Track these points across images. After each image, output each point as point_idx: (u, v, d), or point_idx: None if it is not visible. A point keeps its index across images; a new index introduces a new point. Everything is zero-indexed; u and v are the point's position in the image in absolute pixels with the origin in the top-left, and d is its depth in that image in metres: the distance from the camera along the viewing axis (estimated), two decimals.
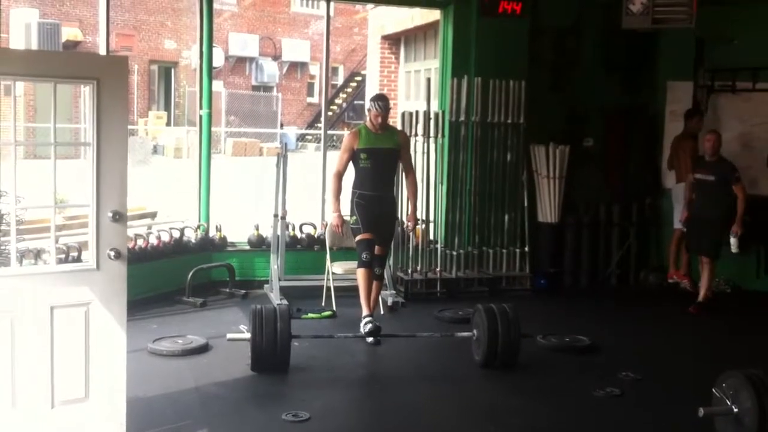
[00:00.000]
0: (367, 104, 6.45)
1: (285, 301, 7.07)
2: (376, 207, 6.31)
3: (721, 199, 7.42)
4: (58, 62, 4.16)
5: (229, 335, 5.63)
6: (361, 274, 6.31)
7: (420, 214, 7.81)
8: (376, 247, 6.35)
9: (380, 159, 6.30)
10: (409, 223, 6.65)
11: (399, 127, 8.04)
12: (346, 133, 6.48)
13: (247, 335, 5.45)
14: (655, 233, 8.89)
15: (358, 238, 6.33)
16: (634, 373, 5.61)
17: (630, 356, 6.12)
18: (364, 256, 6.28)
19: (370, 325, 6.08)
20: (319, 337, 6.14)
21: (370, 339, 6.07)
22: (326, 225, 7.49)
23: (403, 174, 6.67)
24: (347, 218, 6.39)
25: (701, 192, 7.56)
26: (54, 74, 3.93)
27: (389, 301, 7.21)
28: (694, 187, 7.67)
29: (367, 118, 6.41)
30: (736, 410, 4.30)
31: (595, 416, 4.98)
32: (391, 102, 12.51)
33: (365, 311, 6.26)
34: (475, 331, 5.77)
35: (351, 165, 6.42)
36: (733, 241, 7.32)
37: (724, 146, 8.13)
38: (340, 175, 6.34)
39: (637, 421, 4.94)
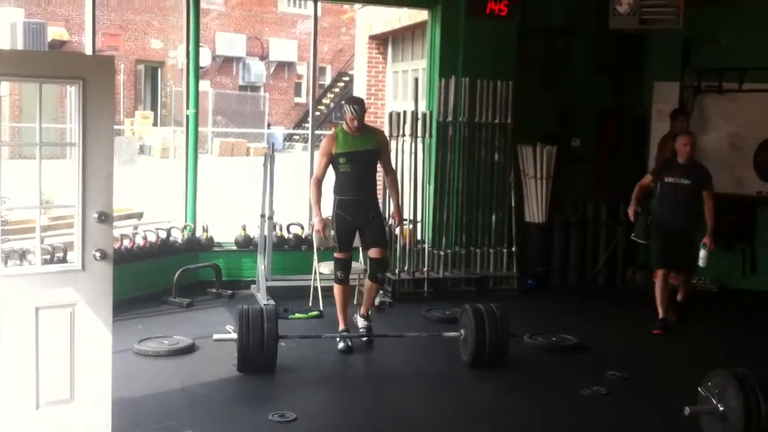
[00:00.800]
0: (344, 107, 6.26)
1: (272, 302, 7.07)
2: (360, 213, 6.13)
3: (694, 205, 6.87)
4: (44, 62, 4.13)
5: (216, 336, 5.60)
6: (335, 290, 6.26)
7: (407, 214, 7.81)
8: (373, 250, 6.22)
9: (360, 162, 6.10)
10: (395, 220, 6.47)
11: (386, 127, 8.05)
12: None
13: (234, 336, 5.42)
14: None
15: (335, 255, 6.24)
16: (621, 372, 5.62)
17: (616, 355, 6.13)
18: (339, 274, 6.20)
19: (342, 344, 5.99)
20: (306, 338, 6.12)
21: (341, 345, 5.99)
22: (313, 226, 7.47)
23: (383, 174, 6.52)
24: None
25: (671, 198, 6.93)
26: (39, 74, 3.91)
27: (377, 301, 7.20)
28: (662, 191, 7.02)
29: (344, 121, 6.20)
30: (722, 409, 4.31)
31: (581, 415, 4.99)
32: (379, 102, 12.57)
33: (341, 326, 6.20)
34: (462, 331, 5.78)
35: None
36: (702, 254, 6.72)
37: (711, 146, 8.18)
38: (319, 181, 6.17)
39: (624, 420, 4.95)
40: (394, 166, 6.87)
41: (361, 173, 6.12)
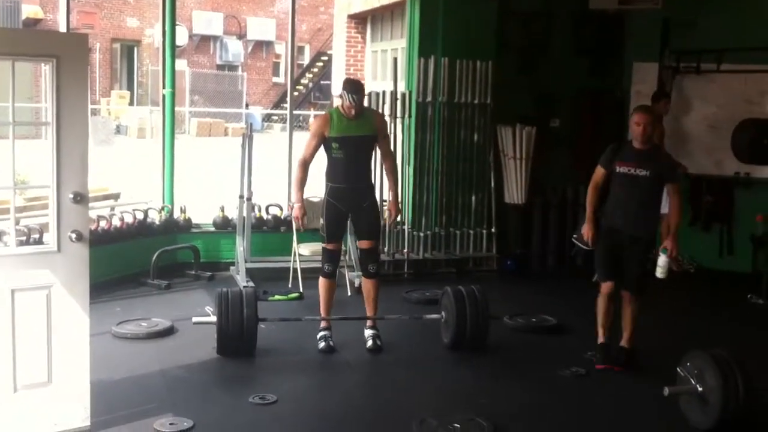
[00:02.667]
0: (336, 89, 5.90)
1: (251, 283, 7.03)
2: (353, 201, 5.61)
3: (654, 204, 5.43)
4: (17, 39, 4.06)
5: (195, 319, 5.54)
6: (320, 284, 5.74)
7: (386, 194, 7.77)
8: (364, 242, 5.74)
9: (355, 148, 5.53)
10: (392, 212, 5.91)
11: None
12: (312, 114, 6.09)
13: (213, 318, 5.37)
14: None
15: (323, 246, 5.72)
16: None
17: (596, 336, 6.14)
18: (326, 267, 5.67)
19: (323, 344, 5.63)
20: (287, 320, 6.06)
21: (322, 345, 5.66)
22: (292, 207, 7.42)
23: (381, 160, 6.05)
24: (314, 201, 6.06)
25: (624, 193, 5.34)
26: (13, 52, 3.84)
27: (356, 283, 7.17)
28: (613, 184, 5.42)
29: (340, 103, 5.63)
30: (700, 389, 4.36)
31: (560, 395, 5.02)
32: None
33: (322, 324, 5.76)
34: (443, 313, 5.76)
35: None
36: (662, 261, 5.30)
37: (690, 127, 8.18)
38: (305, 163, 5.60)
39: (603, 400, 4.98)
40: None
41: (354, 160, 5.57)
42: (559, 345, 6.01)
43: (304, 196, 5.80)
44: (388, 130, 6.62)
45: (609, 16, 8.58)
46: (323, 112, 5.94)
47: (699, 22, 8.25)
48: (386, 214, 6.01)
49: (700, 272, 8.43)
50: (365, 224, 5.74)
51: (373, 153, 5.89)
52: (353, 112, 5.48)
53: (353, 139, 5.53)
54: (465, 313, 5.56)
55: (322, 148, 5.62)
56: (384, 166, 5.94)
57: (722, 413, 4.24)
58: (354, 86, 5.54)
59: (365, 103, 6.07)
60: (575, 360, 5.49)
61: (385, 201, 7.04)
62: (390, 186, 5.92)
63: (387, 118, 7.81)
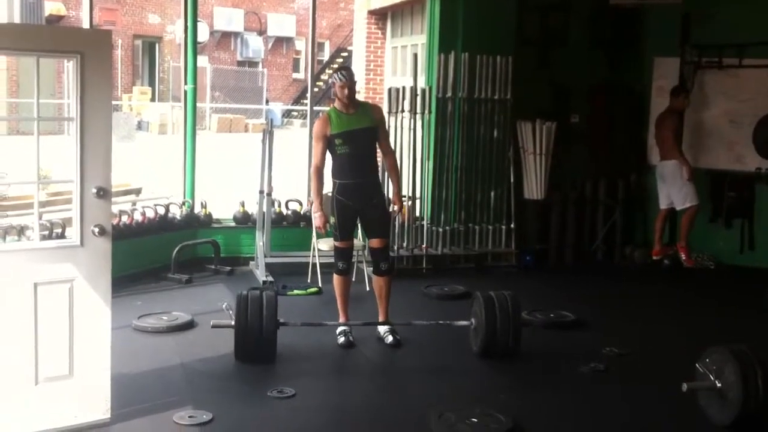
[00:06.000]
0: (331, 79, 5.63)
1: (270, 278, 7.07)
2: (361, 198, 5.61)
3: None
4: (41, 36, 4.12)
5: (213, 322, 5.35)
6: (335, 281, 5.78)
7: (407, 190, 7.79)
8: (375, 241, 5.72)
9: (358, 142, 5.55)
10: (395, 207, 5.86)
11: (384, 103, 7.99)
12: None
13: (231, 322, 5.17)
14: (641, 210, 8.90)
15: (335, 244, 5.75)
16: (619, 349, 5.64)
17: (614, 332, 6.14)
18: (340, 265, 5.71)
19: (342, 339, 5.65)
20: (309, 325, 5.75)
21: (341, 340, 5.67)
22: (311, 202, 7.44)
23: (382, 156, 5.94)
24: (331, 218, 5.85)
25: None
26: (37, 48, 3.89)
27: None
28: None
29: (335, 101, 5.62)
30: (719, 385, 4.33)
31: (578, 391, 5.01)
32: (378, 78, 12.49)
33: (341, 318, 5.81)
34: (473, 320, 5.51)
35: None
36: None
37: (711, 123, 8.13)
38: (319, 170, 5.60)
39: (621, 396, 4.96)
40: (393, 143, 6.73)
41: (360, 154, 5.59)
42: (577, 341, 5.99)
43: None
44: (398, 125, 6.50)
45: (627, 10, 8.53)
46: (323, 114, 5.74)
47: (720, 16, 8.19)
48: (391, 209, 5.99)
49: (721, 268, 8.38)
50: (375, 222, 5.74)
51: (376, 148, 5.82)
52: (345, 91, 5.48)
53: (355, 132, 5.54)
54: (495, 321, 5.30)
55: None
56: (385, 162, 5.97)
57: (742, 409, 4.21)
58: (343, 66, 5.62)
59: (363, 98, 6.03)
60: (594, 356, 5.48)
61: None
62: (391, 179, 5.95)
63: (407, 114, 7.85)
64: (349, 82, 5.50)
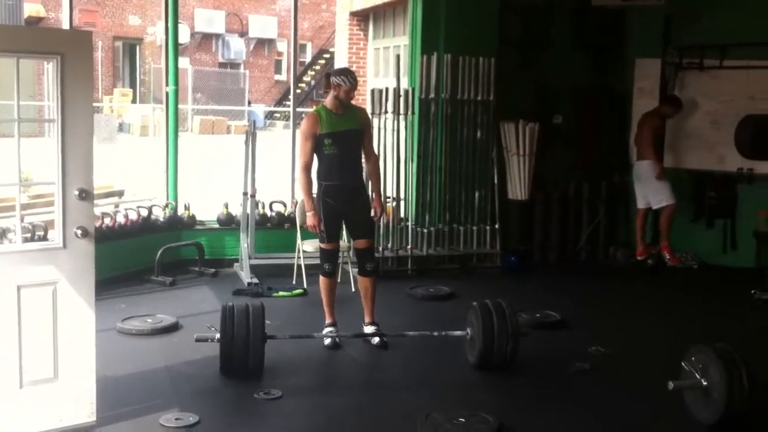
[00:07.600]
0: (333, 80, 5.55)
1: (255, 280, 7.05)
2: (347, 199, 5.59)
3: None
4: (21, 36, 4.08)
5: (197, 335, 5.16)
6: (321, 283, 5.75)
7: (391, 192, 7.79)
8: (360, 241, 5.71)
9: (346, 143, 5.53)
10: (377, 210, 5.79)
11: (368, 105, 7.99)
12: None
13: (216, 336, 4.95)
14: (624, 210, 8.95)
15: (321, 246, 5.70)
16: (604, 348, 5.66)
17: (600, 331, 6.16)
18: (326, 267, 5.68)
19: (329, 340, 5.62)
20: (297, 338, 5.61)
21: (327, 341, 5.66)
22: (296, 203, 7.43)
23: (365, 159, 5.84)
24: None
25: None
26: (16, 49, 3.85)
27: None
28: None
29: (327, 99, 5.60)
30: (705, 384, 4.36)
31: (564, 390, 5.01)
32: (361, 79, 12.51)
33: (327, 319, 5.77)
34: (469, 330, 5.39)
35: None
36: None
37: (692, 123, 8.17)
38: (308, 168, 5.54)
39: (607, 394, 4.98)
40: (376, 144, 6.73)
41: (347, 155, 5.56)
42: (563, 341, 6.00)
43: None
44: (382, 126, 6.48)
45: (609, 11, 8.56)
46: (312, 112, 5.72)
47: (701, 17, 8.23)
48: (372, 212, 5.86)
49: (704, 268, 8.43)
50: (360, 223, 5.73)
51: (362, 149, 5.77)
52: (352, 94, 5.54)
53: (344, 133, 5.53)
54: (492, 330, 5.15)
55: None
56: (368, 165, 5.89)
57: (727, 408, 4.23)
58: (344, 70, 5.74)
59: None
60: (579, 355, 5.50)
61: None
62: (373, 186, 5.89)
63: (390, 115, 7.85)
64: (355, 86, 5.54)
